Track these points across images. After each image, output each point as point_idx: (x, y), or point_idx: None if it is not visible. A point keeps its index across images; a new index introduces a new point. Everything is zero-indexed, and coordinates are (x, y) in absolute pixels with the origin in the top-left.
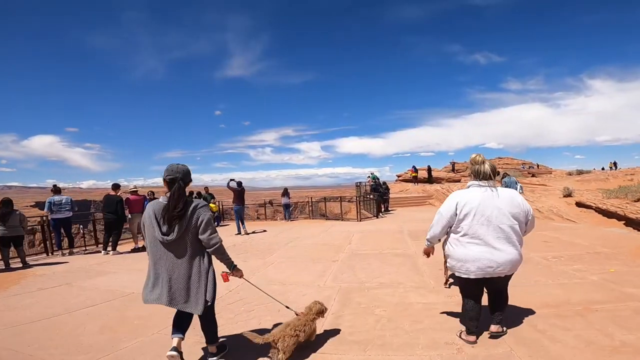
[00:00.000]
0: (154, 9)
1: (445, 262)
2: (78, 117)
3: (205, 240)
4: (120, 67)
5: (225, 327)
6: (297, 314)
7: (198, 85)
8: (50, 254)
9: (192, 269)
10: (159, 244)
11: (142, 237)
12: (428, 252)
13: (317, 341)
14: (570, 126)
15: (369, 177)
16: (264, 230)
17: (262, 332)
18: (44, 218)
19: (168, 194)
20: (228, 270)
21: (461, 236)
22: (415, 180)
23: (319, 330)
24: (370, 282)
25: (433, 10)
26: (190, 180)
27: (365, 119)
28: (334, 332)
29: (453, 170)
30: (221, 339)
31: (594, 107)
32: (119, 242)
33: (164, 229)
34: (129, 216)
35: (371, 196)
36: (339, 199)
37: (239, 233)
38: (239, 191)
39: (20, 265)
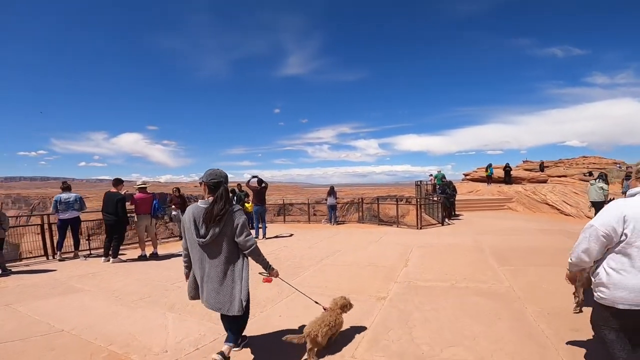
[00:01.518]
0: (215, 11)
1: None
2: (157, 115)
3: (242, 243)
4: (189, 68)
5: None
6: (324, 309)
7: (257, 84)
8: (51, 257)
9: (227, 270)
10: (197, 246)
11: (149, 243)
12: (573, 279)
13: None
14: None
15: (430, 175)
16: (290, 235)
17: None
18: (44, 218)
19: (209, 198)
20: (265, 272)
21: (632, 260)
22: (489, 180)
23: None
24: (439, 357)
25: (494, 3)
26: (227, 185)
27: (424, 116)
28: None
29: (542, 169)
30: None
31: None
32: (126, 247)
33: (202, 231)
34: (135, 218)
35: (435, 198)
36: (395, 199)
37: (257, 237)
38: (258, 190)
39: None
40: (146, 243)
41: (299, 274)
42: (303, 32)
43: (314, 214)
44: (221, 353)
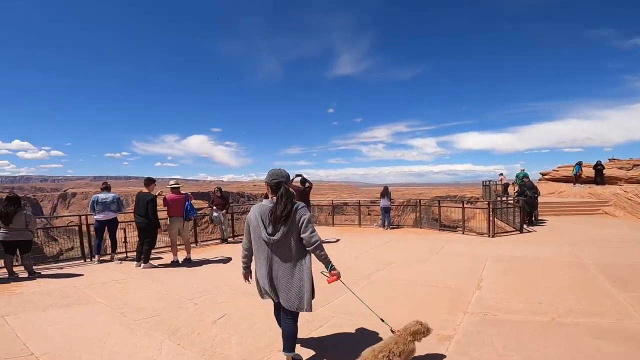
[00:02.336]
0: (266, 15)
1: None
2: (220, 118)
3: (307, 239)
4: (246, 72)
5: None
6: (392, 331)
7: (310, 84)
8: (89, 260)
9: (295, 267)
10: (264, 244)
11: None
12: None
13: None
14: None
15: (500, 175)
16: (337, 240)
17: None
18: (81, 218)
19: (273, 198)
20: (326, 271)
21: None
22: (577, 179)
23: None
24: None
25: None
26: (289, 184)
27: (487, 113)
28: None
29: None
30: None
31: None
32: (164, 250)
33: (270, 229)
34: (168, 220)
35: (509, 200)
36: (458, 200)
37: None
38: (302, 190)
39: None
40: (179, 247)
41: (338, 294)
42: (353, 31)
43: (369, 214)
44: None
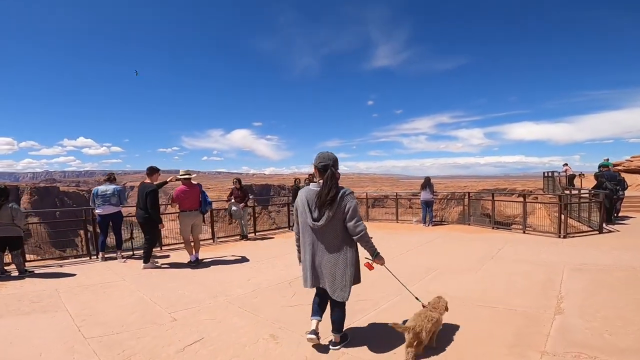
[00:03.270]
0: (301, 10)
1: None
2: (261, 112)
3: (352, 228)
4: (284, 67)
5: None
6: (424, 306)
7: (348, 77)
8: (94, 257)
9: (340, 255)
10: (309, 230)
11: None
12: None
13: None
14: None
15: (565, 165)
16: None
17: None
18: (86, 212)
19: (320, 181)
20: (370, 258)
21: None
22: None
23: None
24: None
25: None
26: (337, 168)
27: (540, 102)
28: None
29: None
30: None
31: None
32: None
33: (315, 214)
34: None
35: (583, 194)
36: (508, 193)
37: None
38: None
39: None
40: (200, 244)
41: (361, 312)
42: (390, 22)
43: (410, 207)
44: (332, 342)
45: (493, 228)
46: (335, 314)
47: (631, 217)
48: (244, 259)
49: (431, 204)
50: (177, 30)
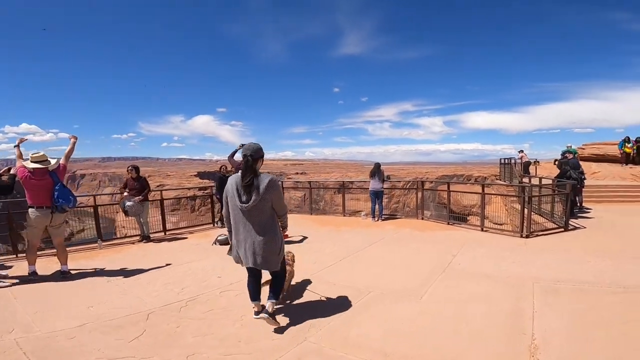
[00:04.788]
0: None
1: None
2: (225, 98)
3: (278, 209)
4: (251, 53)
5: None
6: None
7: (316, 64)
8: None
9: (270, 233)
10: (240, 212)
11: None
12: None
13: None
14: None
15: (520, 152)
16: (301, 240)
17: None
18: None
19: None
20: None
21: None
22: (626, 159)
23: None
24: None
25: None
26: (260, 156)
27: (497, 93)
28: None
29: None
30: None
31: None
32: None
33: (244, 198)
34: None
35: (545, 183)
36: (465, 179)
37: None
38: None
39: None
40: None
41: None
42: (359, 10)
43: (341, 204)
44: (265, 311)
45: (449, 223)
46: (274, 283)
47: (590, 209)
48: (120, 272)
49: (381, 194)
50: (136, 10)
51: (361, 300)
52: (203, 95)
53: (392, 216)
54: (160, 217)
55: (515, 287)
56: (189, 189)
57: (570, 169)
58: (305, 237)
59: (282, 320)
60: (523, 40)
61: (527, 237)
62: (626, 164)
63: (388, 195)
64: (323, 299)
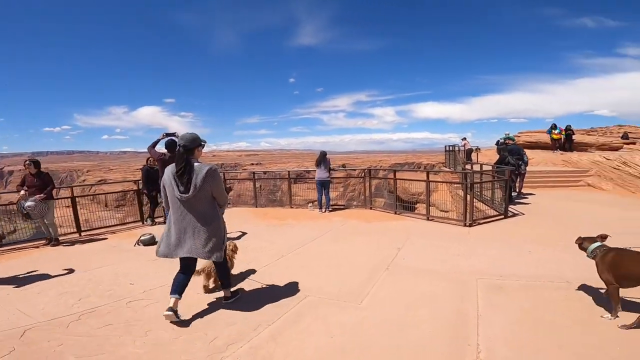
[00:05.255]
0: None
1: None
2: (174, 89)
3: (218, 199)
4: (204, 42)
5: None
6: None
7: (271, 55)
8: None
9: (211, 222)
10: (178, 202)
11: None
12: None
13: None
14: None
15: (464, 139)
16: (239, 237)
17: None
18: None
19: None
20: None
21: None
22: (555, 145)
23: None
24: None
25: None
26: (195, 146)
27: (444, 84)
28: None
29: (626, 138)
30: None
31: None
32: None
33: (182, 188)
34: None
35: (485, 169)
36: (415, 167)
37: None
38: (165, 162)
39: None
40: None
41: None
42: (313, 3)
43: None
44: (225, 298)
45: (396, 213)
46: (220, 274)
47: (528, 196)
48: (9, 281)
49: (328, 184)
50: None
51: (295, 307)
52: (149, 86)
53: (340, 207)
54: (73, 215)
55: (459, 284)
56: (109, 183)
57: (508, 155)
58: (243, 234)
59: (197, 336)
60: (466, 35)
61: (470, 225)
62: (555, 150)
63: (344, 184)
64: (249, 310)
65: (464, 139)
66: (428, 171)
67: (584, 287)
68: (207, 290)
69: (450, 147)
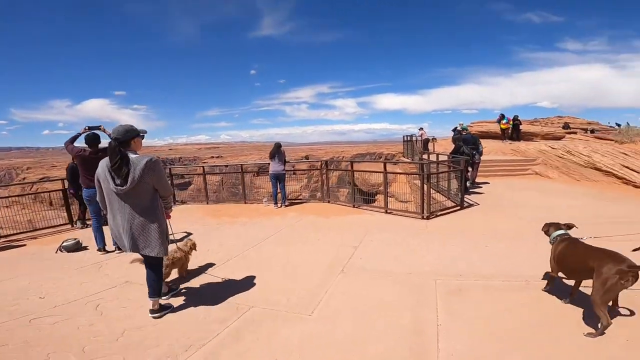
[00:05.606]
0: None
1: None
2: (124, 81)
3: (161, 191)
4: (158, 33)
5: None
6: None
7: (232, 46)
8: None
9: (151, 215)
10: (115, 196)
11: None
12: None
13: None
14: (636, 88)
15: (420, 129)
16: (183, 237)
17: None
18: None
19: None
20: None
21: None
22: (504, 135)
23: None
24: None
25: None
26: (129, 138)
27: (402, 77)
28: None
29: (567, 128)
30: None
31: None
32: None
33: (118, 181)
34: None
35: (442, 158)
36: (376, 157)
37: (101, 249)
38: (85, 158)
39: None
40: None
41: None
42: None
43: (294, 173)
44: (152, 311)
45: (354, 206)
46: (150, 276)
47: (484, 183)
48: None
49: (283, 177)
50: None
51: (235, 322)
52: (96, 78)
53: (298, 201)
54: None
55: (418, 288)
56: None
57: (463, 145)
58: (188, 234)
59: None
60: (423, 29)
61: (428, 218)
62: (504, 140)
63: (308, 175)
64: (180, 326)
65: (421, 129)
66: (385, 162)
67: (541, 286)
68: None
69: (408, 137)
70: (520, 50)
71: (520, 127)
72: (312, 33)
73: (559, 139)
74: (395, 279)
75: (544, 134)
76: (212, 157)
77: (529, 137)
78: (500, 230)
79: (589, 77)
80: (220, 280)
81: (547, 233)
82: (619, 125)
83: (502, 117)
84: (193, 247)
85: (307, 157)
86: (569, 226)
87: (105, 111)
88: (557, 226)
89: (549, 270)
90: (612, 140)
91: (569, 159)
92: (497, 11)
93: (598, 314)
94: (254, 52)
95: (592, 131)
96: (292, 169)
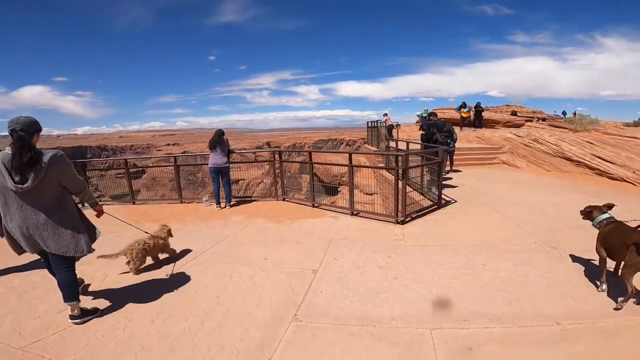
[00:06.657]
0: None
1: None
2: (66, 67)
3: (72, 187)
4: (105, 17)
5: None
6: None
7: (189, 32)
8: None
9: (56, 212)
10: (13, 195)
11: None
12: None
13: None
14: (576, 80)
15: (385, 115)
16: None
17: None
18: None
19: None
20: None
21: None
22: (464, 123)
23: None
24: None
25: None
26: (35, 131)
27: (363, 65)
28: None
29: (515, 115)
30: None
31: (602, 64)
32: None
33: (17, 178)
34: None
35: (419, 148)
36: (337, 143)
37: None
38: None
39: None
40: None
41: None
42: None
43: (255, 159)
44: (72, 317)
45: (314, 206)
46: (62, 275)
47: (455, 172)
48: None
49: (226, 172)
50: None
51: None
52: (33, 64)
53: (247, 198)
54: None
55: (409, 347)
56: None
57: (437, 132)
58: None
59: None
60: (384, 18)
61: (402, 223)
62: (462, 128)
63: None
64: None
65: (386, 114)
66: (350, 153)
67: (580, 328)
68: (136, 271)
69: (373, 124)
70: (474, 42)
71: (483, 114)
72: (273, 20)
73: (519, 127)
74: (376, 331)
75: (505, 122)
76: (168, 144)
77: (491, 124)
78: (492, 239)
79: (534, 69)
80: (109, 341)
81: (588, 217)
82: (565, 114)
83: (464, 105)
84: (169, 233)
85: (268, 144)
86: (609, 206)
87: (44, 98)
88: (600, 210)
89: (593, 311)
90: (567, 128)
91: (536, 148)
92: (455, 2)
93: (625, 284)
94: (213, 38)
95: (544, 119)
96: (228, 162)
